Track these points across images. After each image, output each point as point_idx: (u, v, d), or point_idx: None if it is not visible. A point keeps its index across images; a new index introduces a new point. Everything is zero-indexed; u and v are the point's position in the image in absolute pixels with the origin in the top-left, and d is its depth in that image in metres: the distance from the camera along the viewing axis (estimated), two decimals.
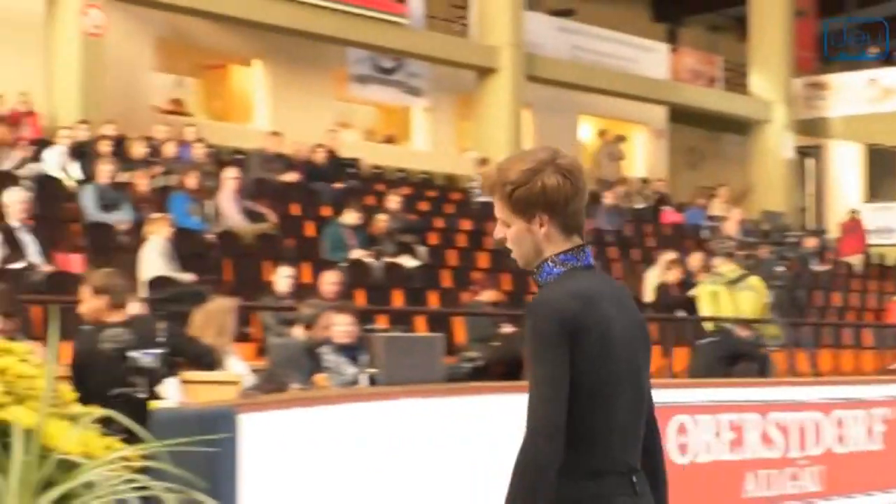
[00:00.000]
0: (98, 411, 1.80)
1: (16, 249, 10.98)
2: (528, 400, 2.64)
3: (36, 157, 14.07)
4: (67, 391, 1.82)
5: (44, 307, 10.08)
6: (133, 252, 11.67)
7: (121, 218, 12.84)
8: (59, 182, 13.75)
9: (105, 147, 14.17)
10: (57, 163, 14.06)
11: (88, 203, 12.81)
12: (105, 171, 13.00)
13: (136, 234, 12.24)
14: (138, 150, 14.87)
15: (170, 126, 16.66)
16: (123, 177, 13.72)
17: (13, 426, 1.61)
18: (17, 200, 11.20)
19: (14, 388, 1.74)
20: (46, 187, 13.42)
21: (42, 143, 14.58)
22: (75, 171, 14.14)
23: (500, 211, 2.90)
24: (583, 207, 2.90)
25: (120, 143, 14.82)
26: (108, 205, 12.84)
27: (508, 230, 2.91)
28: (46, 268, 11.10)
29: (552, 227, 2.88)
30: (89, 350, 6.16)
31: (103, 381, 6.09)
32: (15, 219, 11.14)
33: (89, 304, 6.36)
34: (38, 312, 10.16)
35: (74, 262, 11.80)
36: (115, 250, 12.03)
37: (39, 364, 1.83)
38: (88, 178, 13.51)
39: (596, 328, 2.72)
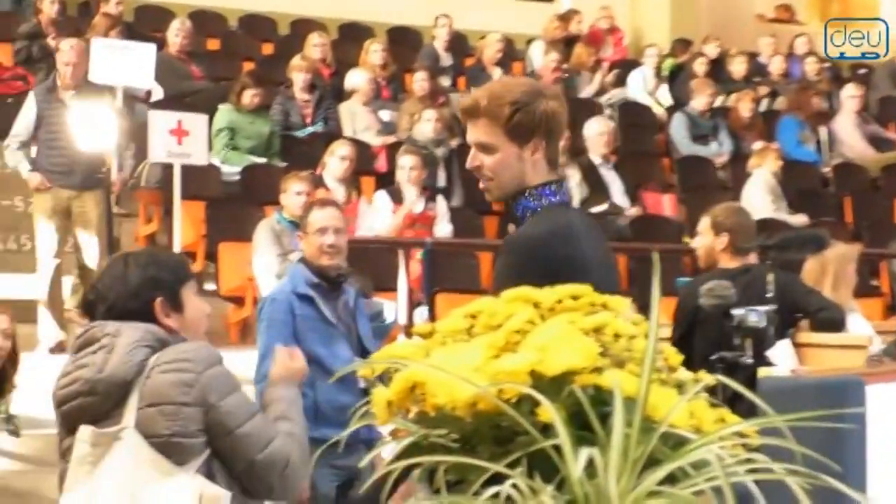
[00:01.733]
0: (708, 378, 1.84)
1: (598, 189, 11.48)
2: None
3: (620, 82, 14.60)
4: (673, 354, 1.87)
5: (629, 256, 10.48)
6: (733, 190, 11.79)
7: (718, 150, 13.02)
8: (647, 110, 14.18)
9: (700, 67, 14.40)
10: (643, 87, 14.51)
11: (680, 133, 13.11)
12: (700, 95, 13.21)
13: (737, 169, 12.36)
14: (739, 68, 14.96)
15: (776, 38, 16.57)
16: (721, 101, 13.88)
17: (612, 393, 1.68)
18: (598, 132, 11.69)
19: (612, 349, 1.82)
20: (632, 116, 13.90)
21: (627, 65, 15.10)
22: (665, 96, 14.51)
23: (486, 134, 3.23)
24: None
25: (717, 62, 14.98)
26: (703, 135, 13.07)
27: (489, 157, 3.24)
28: (632, 210, 11.51)
29: (542, 156, 3.23)
30: (692, 307, 6.30)
31: (703, 342, 6.21)
32: (596, 154, 11.64)
33: (705, 241, 6.50)
34: (623, 262, 10.58)
35: (664, 204, 12.14)
36: (711, 188, 12.23)
37: (638, 321, 1.90)
38: (680, 103, 13.81)
39: (580, 268, 2.91)
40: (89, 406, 3.44)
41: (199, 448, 3.44)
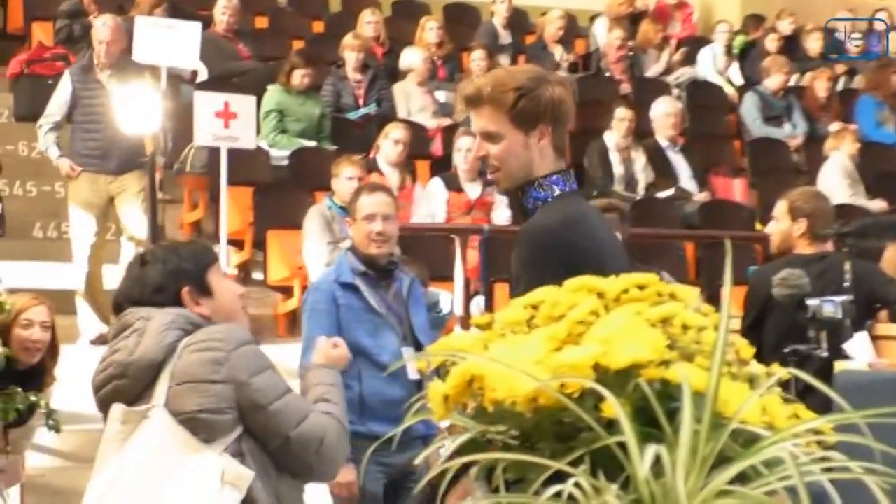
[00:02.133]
0: (781, 372, 1.83)
1: (664, 173, 11.44)
2: None
3: (688, 60, 14.53)
4: (744, 346, 1.87)
5: (697, 243, 10.44)
6: (808, 174, 11.71)
7: (792, 132, 12.94)
8: (717, 89, 14.10)
9: (773, 44, 14.30)
10: (713, 66, 14.43)
11: (752, 114, 13.04)
12: (773, 73, 13.12)
13: (812, 152, 12.27)
14: (814, 45, 14.84)
15: (854, 12, 16.41)
16: (795, 80, 13.78)
17: (680, 388, 1.68)
18: (665, 113, 11.65)
19: (680, 342, 1.81)
20: (701, 96, 13.83)
21: (696, 43, 15.02)
22: (736, 75, 14.43)
23: (491, 122, 3.31)
24: None
25: (791, 39, 14.87)
26: (776, 116, 12.99)
27: (495, 146, 3.31)
28: (701, 195, 11.46)
29: (549, 143, 3.33)
30: (763, 295, 6.27)
31: (774, 333, 6.18)
32: (663, 136, 11.60)
33: (781, 227, 6.48)
34: (692, 249, 10.55)
35: (734, 188, 12.08)
36: (784, 172, 12.15)
37: (708, 312, 1.89)
38: (752, 83, 13.73)
39: (593, 257, 3.11)
40: (122, 389, 3.60)
41: (228, 426, 3.57)
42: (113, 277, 9.65)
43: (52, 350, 5.91)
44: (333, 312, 5.67)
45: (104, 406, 3.66)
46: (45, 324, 5.86)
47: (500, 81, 3.34)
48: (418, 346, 5.77)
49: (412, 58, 12.03)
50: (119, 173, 9.45)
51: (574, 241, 3.22)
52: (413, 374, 5.63)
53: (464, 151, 9.98)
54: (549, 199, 3.34)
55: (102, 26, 9.64)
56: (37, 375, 5.81)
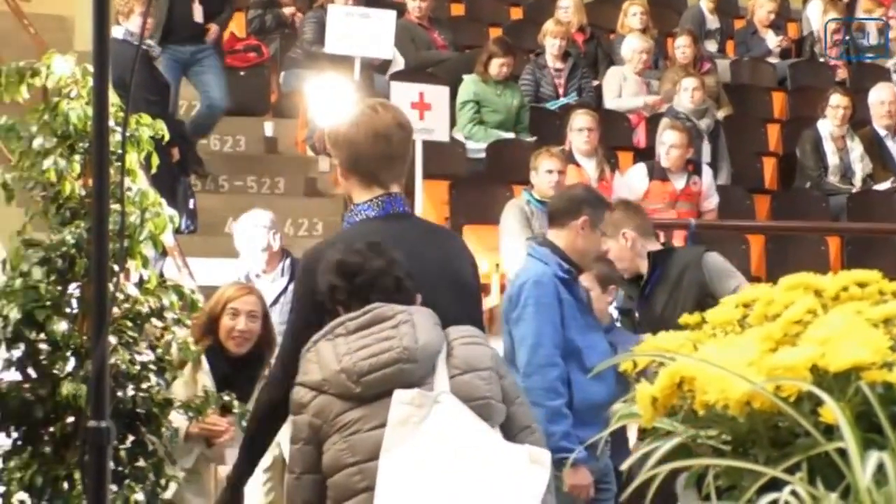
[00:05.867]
0: None
1: (883, 164, 11.18)
2: None
3: None
4: None
5: None
6: None
7: None
8: None
9: None
10: None
11: None
12: None
13: None
14: None
15: None
16: None
17: None
18: (882, 100, 11.38)
19: None
20: None
21: None
22: None
23: None
24: None
25: None
26: None
27: None
28: None
29: None
30: None
31: None
32: (881, 124, 11.34)
33: None
34: None
35: None
36: None
37: None
38: None
39: None
40: (409, 372, 3.93)
41: (502, 412, 4.01)
42: None
43: (268, 341, 5.97)
44: (557, 307, 5.72)
45: (376, 387, 3.91)
46: (254, 313, 5.93)
47: None
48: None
49: (634, 44, 11.91)
50: None
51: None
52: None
53: (667, 146, 9.91)
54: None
55: None
56: (251, 365, 5.91)
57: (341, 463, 3.93)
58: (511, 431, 4.02)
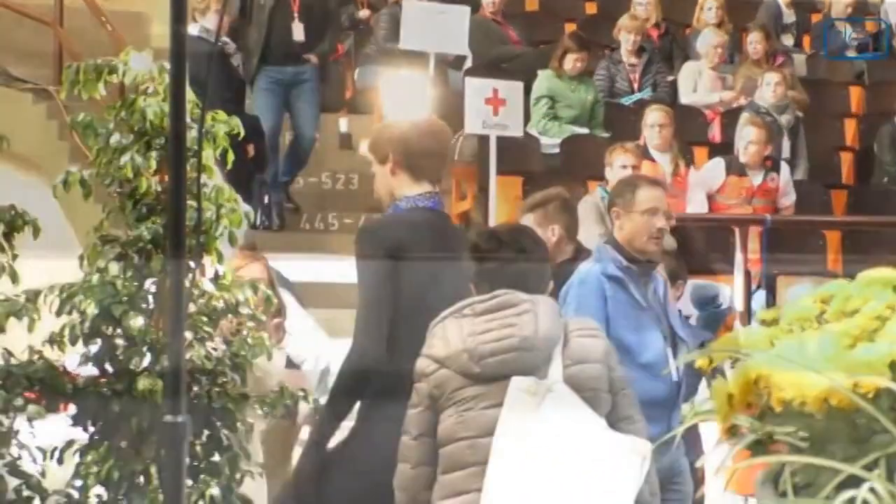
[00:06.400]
0: None
1: None
2: None
3: None
4: None
5: None
6: None
7: None
8: None
9: None
10: None
11: None
12: None
13: None
14: None
15: None
16: None
17: None
18: None
19: None
20: None
21: None
22: None
23: None
24: None
25: None
26: None
27: None
28: None
29: None
30: None
31: None
32: None
33: None
34: None
35: None
36: None
37: None
38: None
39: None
40: (527, 360, 4.16)
41: (608, 403, 4.25)
42: None
43: (278, 309, 6.00)
44: (602, 308, 5.61)
45: (494, 370, 4.14)
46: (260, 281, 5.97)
47: None
48: (678, 345, 5.70)
49: (709, 39, 11.84)
50: None
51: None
52: (675, 376, 5.57)
53: (746, 142, 9.84)
54: None
55: None
56: None
57: (455, 436, 4.16)
58: (613, 419, 4.23)
